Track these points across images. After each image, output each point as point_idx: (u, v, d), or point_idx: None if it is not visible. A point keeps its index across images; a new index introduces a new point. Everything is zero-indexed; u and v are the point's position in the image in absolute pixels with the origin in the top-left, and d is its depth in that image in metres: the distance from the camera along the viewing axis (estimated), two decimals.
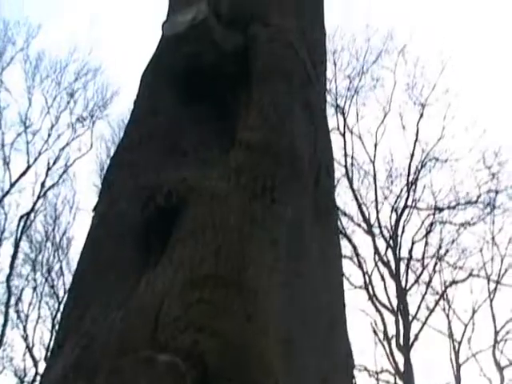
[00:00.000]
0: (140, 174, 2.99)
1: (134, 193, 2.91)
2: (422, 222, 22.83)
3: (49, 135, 24.70)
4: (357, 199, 23.01)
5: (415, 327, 21.57)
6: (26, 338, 23.64)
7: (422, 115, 23.05)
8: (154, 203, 2.78)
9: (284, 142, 2.93)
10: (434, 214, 22.93)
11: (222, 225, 2.54)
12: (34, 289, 24.56)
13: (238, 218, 2.58)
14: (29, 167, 24.18)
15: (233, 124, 3.09)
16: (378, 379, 21.94)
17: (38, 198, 24.41)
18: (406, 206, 22.85)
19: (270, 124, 2.98)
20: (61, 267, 25.01)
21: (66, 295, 3.05)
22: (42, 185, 24.44)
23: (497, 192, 22.66)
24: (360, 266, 22.61)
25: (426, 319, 22.06)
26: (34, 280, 24.71)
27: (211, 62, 3.28)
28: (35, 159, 24.44)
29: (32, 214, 24.38)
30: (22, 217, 24.05)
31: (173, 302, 2.28)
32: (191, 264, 2.40)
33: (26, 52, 25.21)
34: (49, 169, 24.57)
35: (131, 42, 29.88)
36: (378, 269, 22.49)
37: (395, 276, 21.99)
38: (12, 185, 24.09)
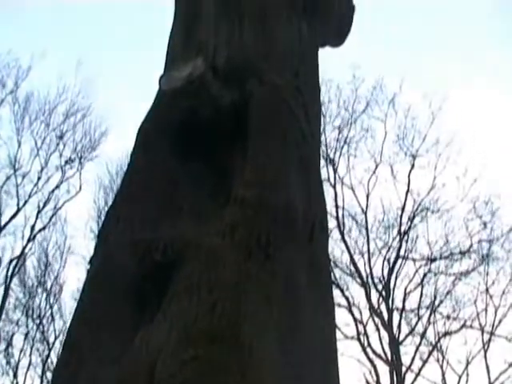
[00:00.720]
0: (136, 228, 3.00)
1: (130, 247, 2.92)
2: (415, 273, 22.82)
3: (38, 178, 24.62)
4: (349, 250, 22.96)
5: (409, 378, 21.43)
6: None
7: (413, 166, 23.14)
8: (150, 258, 2.80)
9: (279, 198, 2.96)
10: (426, 265, 22.94)
11: (217, 281, 2.55)
12: (26, 335, 24.35)
13: (233, 275, 2.59)
14: (18, 210, 24.12)
15: (228, 179, 3.12)
16: None
17: (28, 241, 24.32)
18: (398, 257, 22.82)
19: (265, 180, 3.01)
20: (52, 313, 24.84)
21: (60, 350, 3.04)
22: (32, 228, 24.35)
23: (490, 242, 22.72)
24: (353, 316, 22.50)
25: (420, 370, 21.89)
26: (26, 326, 24.52)
27: (208, 117, 3.32)
28: (25, 202, 24.36)
29: (22, 258, 24.27)
30: (11, 260, 23.94)
31: (168, 358, 2.28)
32: (186, 321, 2.40)
33: (15, 94, 25.29)
34: (39, 211, 24.49)
35: (121, 82, 30.03)
36: (373, 319, 22.39)
37: (388, 327, 21.87)
38: (2, 228, 24.00)
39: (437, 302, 22.62)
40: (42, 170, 24.74)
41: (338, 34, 4.21)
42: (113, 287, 2.82)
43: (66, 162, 25.04)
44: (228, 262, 2.65)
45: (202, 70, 3.33)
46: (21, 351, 24.12)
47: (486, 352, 22.34)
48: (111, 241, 3.08)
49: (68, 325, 3.02)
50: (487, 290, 22.64)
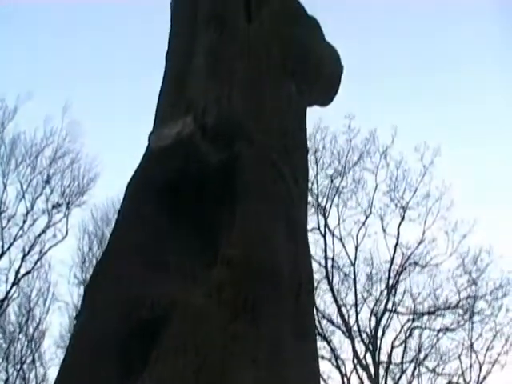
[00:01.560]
0: (123, 285, 3.01)
1: (116, 304, 2.93)
2: (402, 327, 22.77)
3: (24, 221, 24.56)
4: (336, 301, 22.92)
5: None
6: None
7: (403, 218, 23.26)
8: (136, 315, 2.80)
9: (266, 259, 2.98)
10: (413, 319, 22.88)
11: (203, 343, 2.56)
12: (6, 381, 24.00)
13: (219, 336, 2.60)
14: (3, 253, 23.96)
15: (215, 238, 3.14)
16: None
17: (13, 285, 24.12)
18: (385, 310, 22.80)
19: (252, 241, 3.04)
20: (33, 360, 24.55)
21: None
22: (17, 272, 24.18)
23: (475, 298, 22.71)
24: (338, 368, 22.37)
25: None
26: (6, 371, 24.20)
27: (196, 176, 3.35)
28: (10, 245, 24.26)
29: (6, 302, 24.05)
30: None
31: None
32: (172, 383, 2.40)
33: (1, 135, 25.31)
34: (24, 255, 24.35)
35: (109, 127, 30.10)
36: (357, 372, 22.26)
37: (374, 380, 21.73)
38: None
39: (422, 356, 22.54)
40: (28, 213, 24.65)
41: (325, 94, 4.28)
42: (98, 345, 2.81)
43: (54, 207, 24.99)
44: (215, 323, 2.66)
45: (191, 128, 3.37)
46: None
47: None
48: (98, 297, 3.09)
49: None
50: (472, 345, 22.57)
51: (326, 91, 4.25)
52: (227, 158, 3.38)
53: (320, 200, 23.51)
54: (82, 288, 25.09)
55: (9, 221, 24.55)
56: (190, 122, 3.41)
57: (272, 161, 3.44)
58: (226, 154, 3.39)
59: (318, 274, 22.19)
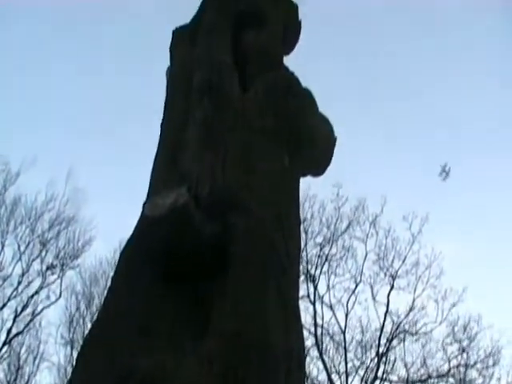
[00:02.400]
0: (114, 353, 3.01)
1: (107, 373, 2.91)
2: None
3: (19, 282, 24.47)
4: (327, 369, 22.70)
5: None
6: None
7: (392, 286, 23.23)
8: None
9: (257, 333, 2.98)
10: None
11: None
12: None
13: None
14: None
15: (207, 309, 3.14)
16: None
17: (4, 344, 23.89)
18: (376, 378, 22.57)
19: (244, 315, 3.04)
20: None
21: None
22: (8, 332, 23.97)
23: (466, 366, 22.57)
24: None
25: None
26: None
27: (189, 246, 3.37)
28: (3, 305, 24.10)
29: None
30: None
31: None
32: None
33: (2, 197, 25.38)
34: (16, 315, 24.17)
35: (107, 192, 30.21)
36: None
37: None
38: None
39: None
40: (23, 274, 24.62)
41: (318, 165, 4.33)
42: None
43: (48, 268, 24.93)
44: None
45: (185, 199, 3.39)
46: None
47: None
48: (89, 364, 3.08)
49: None
50: None
51: (318, 163, 4.30)
52: (221, 229, 3.40)
53: (309, 268, 23.49)
54: (68, 348, 24.97)
55: (4, 281, 24.49)
56: (184, 192, 3.44)
57: (265, 233, 3.47)
58: (220, 225, 3.42)
59: (307, 341, 22.03)
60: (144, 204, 3.73)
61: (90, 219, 26.09)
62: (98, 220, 26.93)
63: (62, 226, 25.93)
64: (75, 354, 23.49)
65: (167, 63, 5.04)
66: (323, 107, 4.34)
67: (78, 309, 26.01)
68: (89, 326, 24.10)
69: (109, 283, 3.69)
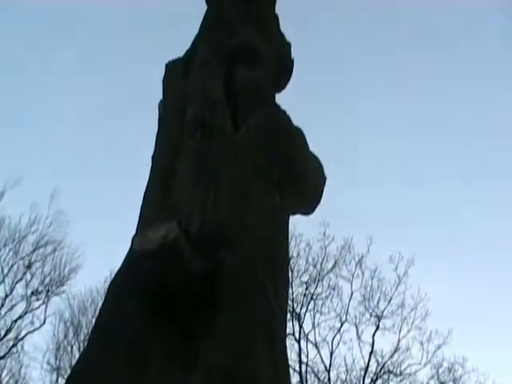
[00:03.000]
0: None
1: None
2: None
3: (2, 305, 24.21)
4: None
5: None
6: None
7: (377, 327, 23.16)
8: None
9: (246, 370, 2.98)
10: None
11: None
12: None
13: None
14: None
15: (196, 343, 3.14)
16: None
17: None
18: None
19: (232, 352, 3.05)
20: None
21: None
22: None
23: None
24: None
25: None
26: None
27: (179, 281, 3.36)
28: None
29: None
30: None
31: None
32: None
33: None
34: None
35: (94, 217, 30.06)
36: None
37: None
38: None
39: None
40: (7, 297, 24.36)
41: (308, 204, 4.34)
42: None
43: (33, 293, 24.72)
44: None
45: (175, 234, 3.39)
46: None
47: None
48: None
49: None
50: None
51: (308, 202, 4.32)
52: (211, 266, 3.40)
53: (295, 306, 23.41)
54: (54, 375, 24.71)
55: None
56: (175, 226, 3.44)
57: (254, 272, 3.48)
58: (210, 261, 3.42)
59: (292, 379, 21.83)
60: (134, 237, 3.72)
61: (77, 245, 25.99)
62: (85, 243, 26.82)
63: (46, 249, 25.77)
64: (61, 381, 23.30)
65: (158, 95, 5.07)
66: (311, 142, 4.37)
67: (65, 336, 25.77)
68: (76, 354, 23.89)
69: (97, 313, 3.67)
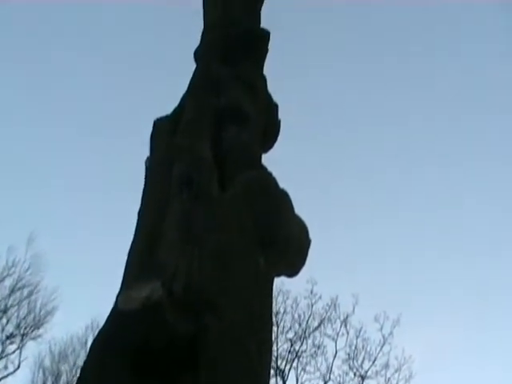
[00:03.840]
0: None
1: None
2: None
3: None
4: None
5: None
6: None
7: None
8: None
9: None
10: None
11: None
12: None
13: None
14: None
15: None
16: None
17: None
18: None
19: None
20: None
21: None
22: None
23: None
24: None
25: None
26: None
27: (161, 342, 3.34)
28: None
29: None
30: None
31: None
32: None
33: None
34: None
35: (72, 260, 29.88)
36: None
37: None
38: None
39: None
40: None
41: (293, 266, 4.34)
42: None
43: (8, 338, 24.42)
44: None
45: (159, 295, 3.38)
46: None
47: None
48: None
49: None
50: None
51: (293, 264, 4.32)
52: (194, 330, 3.39)
53: (279, 363, 23.20)
54: None
55: None
56: (159, 288, 3.44)
57: (237, 337, 3.48)
58: (193, 325, 3.41)
59: None
60: (117, 295, 3.71)
61: (52, 289, 25.79)
62: (62, 286, 26.62)
63: (23, 293, 25.55)
64: None
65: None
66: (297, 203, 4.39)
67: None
68: None
69: (78, 361, 3.67)
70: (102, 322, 3.68)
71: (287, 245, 4.14)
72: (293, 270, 4.36)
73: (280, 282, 22.73)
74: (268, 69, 5.68)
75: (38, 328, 25.28)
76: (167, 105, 5.38)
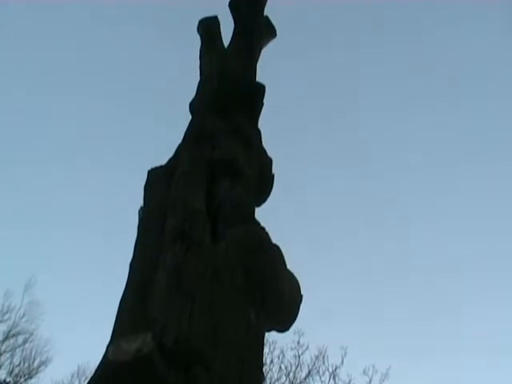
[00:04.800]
0: None
1: None
2: None
3: None
4: None
5: None
6: None
7: None
8: None
9: None
10: None
11: None
12: None
13: None
14: None
15: None
16: None
17: None
18: None
19: None
20: None
21: None
22: None
23: None
24: None
25: None
26: None
27: None
28: None
29: None
30: None
31: None
32: None
33: None
34: None
35: (68, 308, 29.69)
36: None
37: None
38: None
39: None
40: None
41: (284, 322, 4.37)
42: None
43: None
44: None
45: (149, 348, 3.40)
46: None
47: None
48: None
49: None
50: None
51: (284, 319, 4.35)
52: (183, 381, 3.41)
53: None
54: None
55: None
56: (150, 340, 3.46)
57: None
58: (183, 377, 3.44)
59: None
60: (108, 346, 3.73)
61: (47, 338, 25.56)
62: (56, 336, 26.39)
63: (17, 340, 25.32)
64: None
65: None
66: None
67: None
68: None
69: None
70: (88, 369, 3.72)
71: (279, 301, 4.18)
72: (284, 325, 4.38)
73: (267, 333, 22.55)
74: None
75: (31, 377, 25.03)
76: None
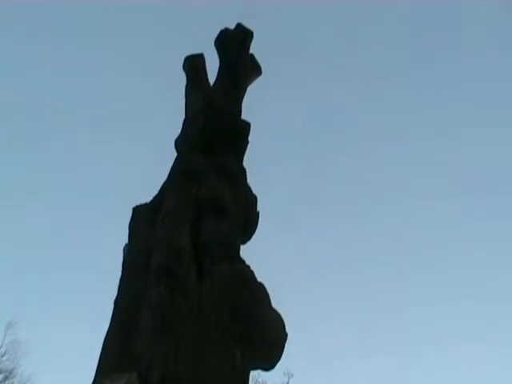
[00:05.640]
0: None
1: None
2: None
3: None
4: None
5: None
6: None
7: None
8: None
9: None
10: None
11: None
12: None
13: None
14: None
15: None
16: None
17: None
18: None
19: None
20: None
21: None
22: None
23: None
24: None
25: None
26: None
27: None
28: None
29: None
30: None
31: None
32: None
33: None
34: None
35: (49, 347, 29.31)
36: None
37: None
38: None
39: None
40: None
41: (269, 360, 4.35)
42: None
43: None
44: None
45: None
46: None
47: None
48: None
49: None
50: None
51: (269, 358, 4.33)
52: None
53: None
54: None
55: None
56: (135, 379, 3.43)
57: None
58: None
59: None
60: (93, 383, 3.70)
61: (28, 375, 25.29)
62: (39, 375, 26.09)
63: None
64: None
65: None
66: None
67: None
68: None
69: None
70: None
71: (264, 339, 4.16)
72: (269, 363, 4.36)
73: (256, 373, 22.45)
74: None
75: None
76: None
